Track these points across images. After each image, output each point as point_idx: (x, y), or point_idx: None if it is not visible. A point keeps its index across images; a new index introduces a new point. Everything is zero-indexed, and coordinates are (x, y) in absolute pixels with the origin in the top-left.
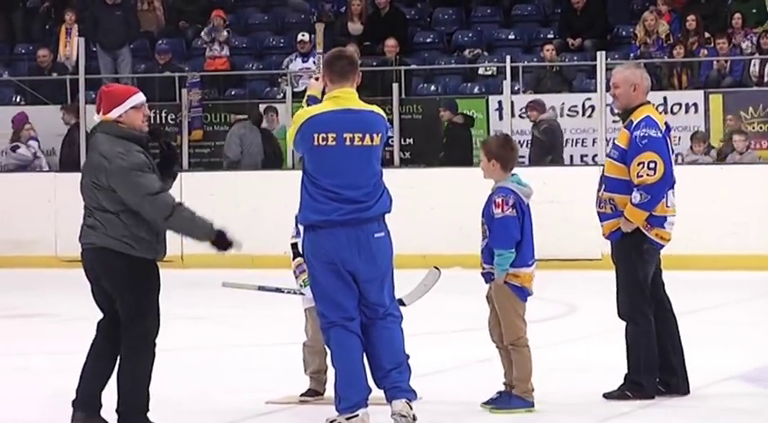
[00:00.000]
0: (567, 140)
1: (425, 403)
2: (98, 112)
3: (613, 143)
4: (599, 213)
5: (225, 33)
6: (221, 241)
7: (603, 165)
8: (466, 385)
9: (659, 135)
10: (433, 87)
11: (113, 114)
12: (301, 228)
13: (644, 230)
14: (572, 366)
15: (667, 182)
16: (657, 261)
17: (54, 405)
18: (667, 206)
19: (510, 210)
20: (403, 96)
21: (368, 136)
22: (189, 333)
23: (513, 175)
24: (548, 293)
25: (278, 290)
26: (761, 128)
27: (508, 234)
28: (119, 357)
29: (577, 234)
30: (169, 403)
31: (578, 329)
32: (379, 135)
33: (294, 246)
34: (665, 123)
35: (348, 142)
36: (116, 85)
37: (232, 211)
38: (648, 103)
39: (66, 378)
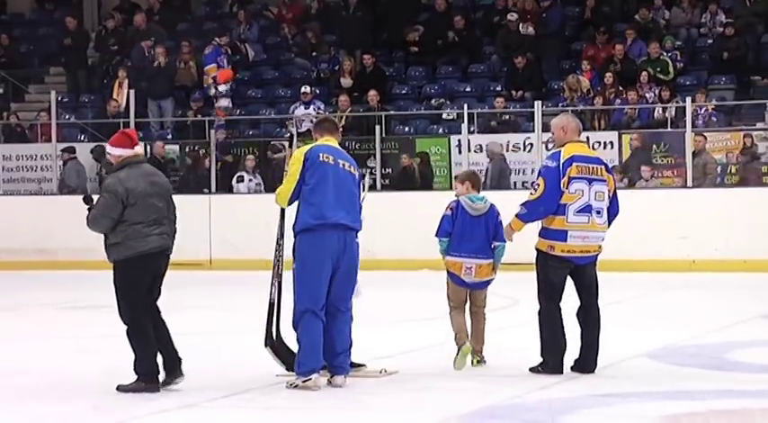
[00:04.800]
0: (512, 170)
1: (403, 376)
2: (134, 147)
3: None
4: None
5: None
6: (85, 202)
7: None
8: (431, 363)
9: (554, 165)
10: (406, 128)
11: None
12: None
13: (539, 246)
14: (513, 346)
15: (543, 201)
16: (584, 265)
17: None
18: (568, 222)
19: (448, 211)
20: (383, 135)
21: (352, 167)
22: (212, 321)
23: (479, 197)
24: (498, 289)
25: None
26: (662, 160)
27: (441, 226)
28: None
29: (526, 243)
30: (195, 374)
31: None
32: (354, 168)
33: None
34: (590, 157)
35: (341, 165)
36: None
37: (249, 221)
38: (577, 141)
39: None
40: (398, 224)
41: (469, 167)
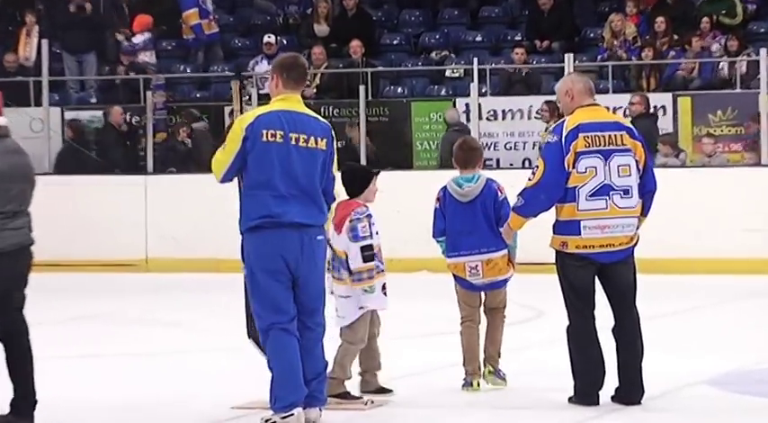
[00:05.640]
0: (533, 143)
1: (397, 406)
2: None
3: None
4: None
5: None
6: None
7: None
8: (438, 388)
9: (554, 140)
10: (399, 89)
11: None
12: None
13: (553, 243)
14: (540, 368)
15: (544, 187)
16: (611, 265)
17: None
18: (579, 209)
19: (436, 202)
20: (369, 99)
21: (313, 138)
22: (155, 338)
23: (467, 177)
24: (517, 297)
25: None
26: (729, 131)
27: (433, 224)
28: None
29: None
30: (136, 409)
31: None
32: (324, 140)
33: (366, 248)
34: (604, 123)
35: (294, 142)
36: None
37: (199, 213)
38: (587, 106)
39: None
40: (389, 214)
41: (480, 139)
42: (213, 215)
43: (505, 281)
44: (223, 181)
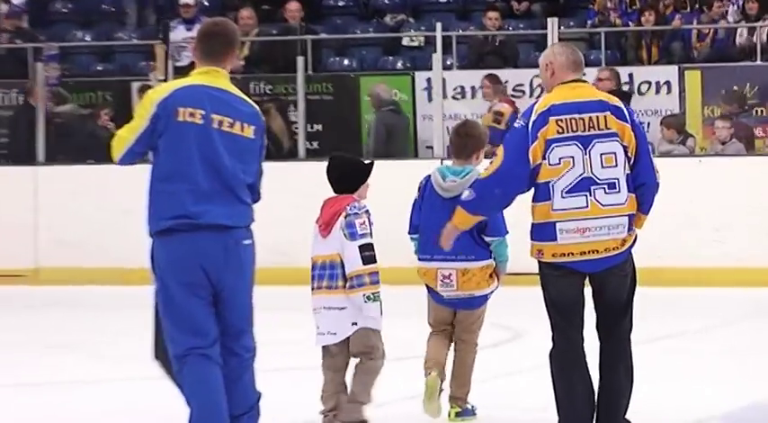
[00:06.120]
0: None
1: None
2: None
3: None
4: None
5: None
6: None
7: None
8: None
9: (520, 125)
10: (346, 61)
11: None
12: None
13: (531, 251)
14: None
15: (498, 179)
16: (597, 275)
17: None
18: (554, 209)
19: (417, 192)
20: (310, 72)
21: (239, 124)
22: (46, 365)
23: (456, 169)
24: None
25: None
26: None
27: (409, 218)
28: None
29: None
30: None
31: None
32: (252, 128)
33: (366, 247)
34: (583, 103)
35: (216, 125)
36: None
37: (97, 213)
38: (568, 83)
39: None
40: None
41: (443, 123)
42: (119, 215)
43: (483, 298)
44: (121, 163)
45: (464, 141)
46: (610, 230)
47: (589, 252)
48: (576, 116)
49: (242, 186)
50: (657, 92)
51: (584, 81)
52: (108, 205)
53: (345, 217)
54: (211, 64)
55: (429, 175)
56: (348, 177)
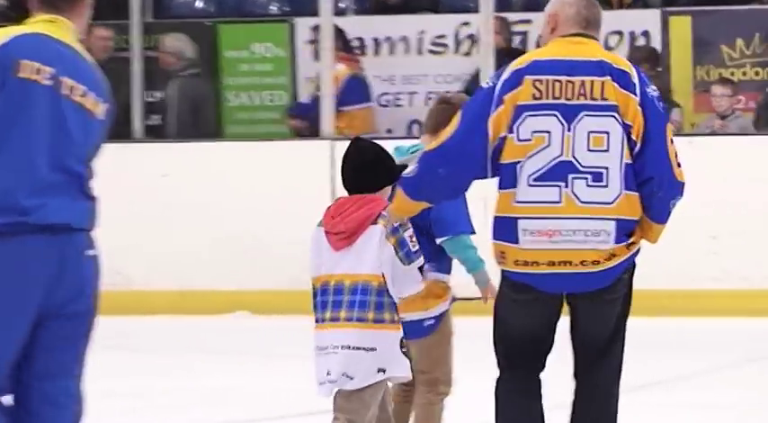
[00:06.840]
0: (427, 96)
1: None
2: None
3: None
4: None
5: None
6: None
7: None
8: None
9: (487, 85)
10: (200, 3)
11: None
12: None
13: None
14: None
15: (443, 153)
16: (575, 298)
17: None
18: (517, 200)
19: None
20: (150, 19)
21: (92, 97)
22: None
23: (415, 146)
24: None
25: None
26: (756, 73)
27: None
28: None
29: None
30: None
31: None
32: (104, 106)
33: (421, 269)
34: (572, 62)
35: (67, 90)
36: None
37: None
38: (565, 37)
39: None
40: (182, 207)
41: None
42: None
43: (430, 325)
44: None
45: (434, 116)
46: (587, 237)
47: (559, 263)
48: (564, 78)
49: (85, 178)
50: (632, 45)
51: (592, 37)
52: None
53: (391, 230)
54: (55, 13)
55: None
56: (382, 173)
